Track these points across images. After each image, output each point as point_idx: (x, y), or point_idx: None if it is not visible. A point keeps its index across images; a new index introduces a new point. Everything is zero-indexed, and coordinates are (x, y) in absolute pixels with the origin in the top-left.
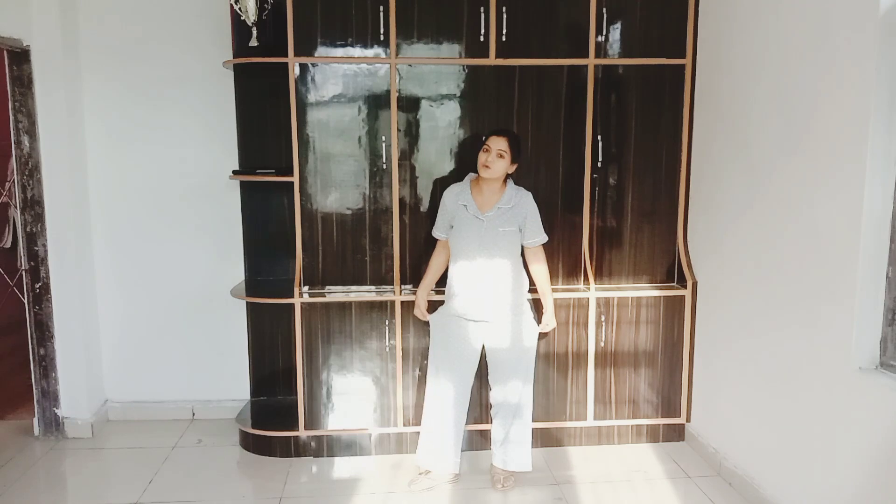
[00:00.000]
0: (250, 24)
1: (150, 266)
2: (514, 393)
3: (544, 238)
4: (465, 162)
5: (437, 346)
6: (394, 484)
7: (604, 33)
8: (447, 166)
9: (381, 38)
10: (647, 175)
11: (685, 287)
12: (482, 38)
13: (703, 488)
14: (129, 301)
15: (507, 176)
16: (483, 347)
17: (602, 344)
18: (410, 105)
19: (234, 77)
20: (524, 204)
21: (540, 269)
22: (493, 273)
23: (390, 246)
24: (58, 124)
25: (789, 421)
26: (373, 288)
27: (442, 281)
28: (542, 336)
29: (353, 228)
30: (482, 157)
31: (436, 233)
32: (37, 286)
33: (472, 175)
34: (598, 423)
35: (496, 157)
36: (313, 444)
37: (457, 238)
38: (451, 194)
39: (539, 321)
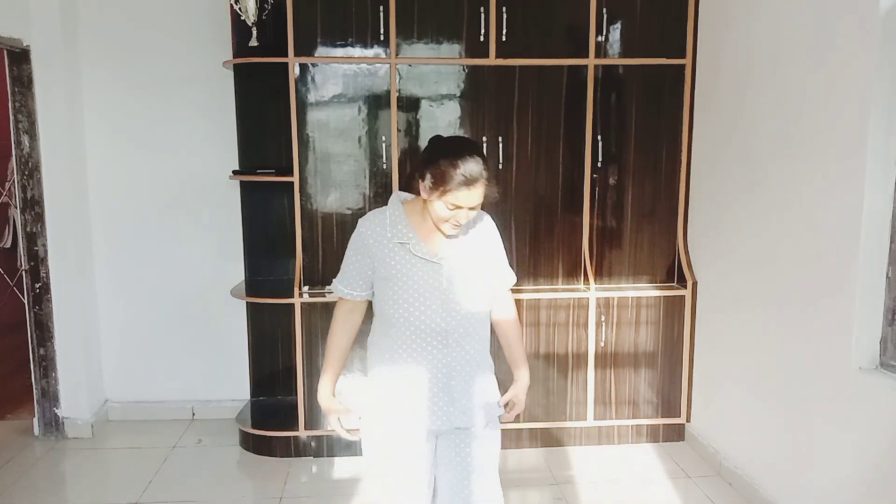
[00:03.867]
0: (250, 24)
1: (150, 266)
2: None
3: (514, 277)
4: None
5: (377, 475)
6: None
7: (604, 33)
8: None
9: (381, 38)
10: (647, 175)
11: (685, 287)
12: (482, 38)
13: (703, 488)
14: (129, 301)
15: None
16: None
17: (602, 344)
18: (410, 105)
19: (234, 77)
20: (484, 227)
21: (514, 323)
22: (464, 348)
23: None
24: (58, 124)
25: (789, 421)
26: None
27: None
28: (505, 417)
29: (353, 228)
30: (445, 214)
31: (342, 287)
32: (37, 286)
33: (401, 196)
34: (598, 423)
35: (466, 213)
36: (313, 444)
37: (398, 296)
38: (374, 228)
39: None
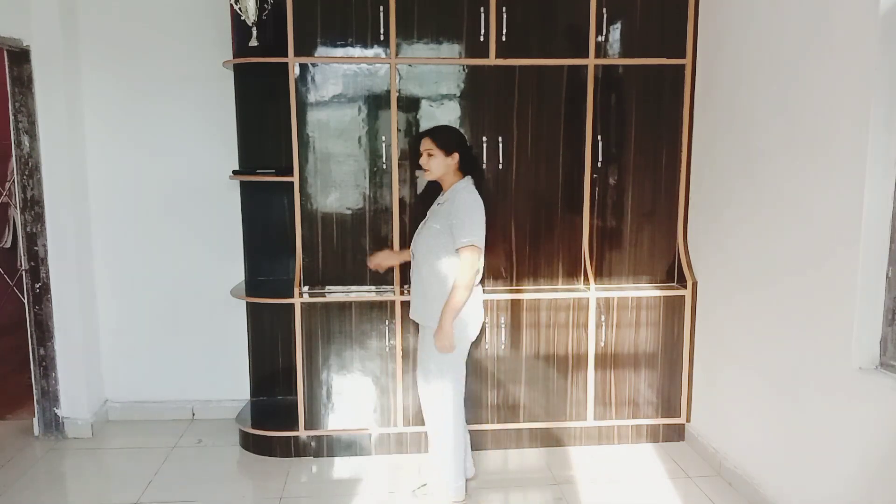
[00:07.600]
0: (250, 24)
1: (149, 266)
2: (425, 410)
3: (462, 242)
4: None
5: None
6: (394, 484)
7: (604, 33)
8: None
9: (381, 38)
10: (647, 175)
11: (685, 287)
12: (482, 38)
13: (703, 488)
14: (129, 301)
15: (466, 174)
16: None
17: (602, 344)
18: (410, 105)
19: (234, 77)
20: (453, 200)
21: (455, 275)
22: (419, 272)
23: (390, 246)
24: (58, 124)
25: (789, 421)
26: (373, 288)
27: None
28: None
29: (353, 228)
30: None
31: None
32: (37, 286)
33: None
34: (599, 423)
35: (426, 157)
36: (313, 444)
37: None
38: None
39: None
